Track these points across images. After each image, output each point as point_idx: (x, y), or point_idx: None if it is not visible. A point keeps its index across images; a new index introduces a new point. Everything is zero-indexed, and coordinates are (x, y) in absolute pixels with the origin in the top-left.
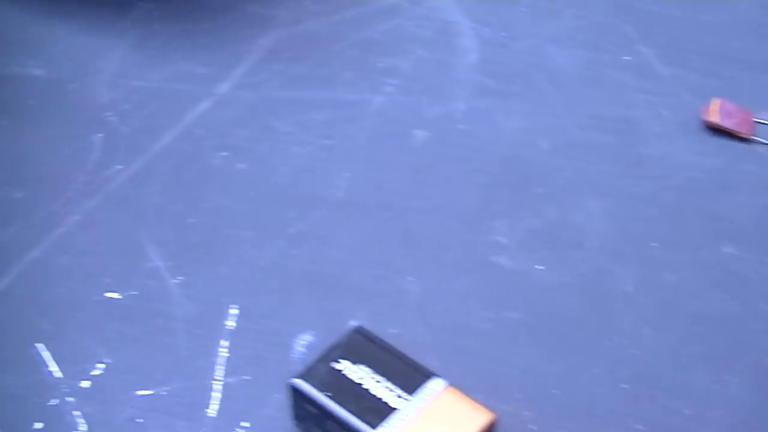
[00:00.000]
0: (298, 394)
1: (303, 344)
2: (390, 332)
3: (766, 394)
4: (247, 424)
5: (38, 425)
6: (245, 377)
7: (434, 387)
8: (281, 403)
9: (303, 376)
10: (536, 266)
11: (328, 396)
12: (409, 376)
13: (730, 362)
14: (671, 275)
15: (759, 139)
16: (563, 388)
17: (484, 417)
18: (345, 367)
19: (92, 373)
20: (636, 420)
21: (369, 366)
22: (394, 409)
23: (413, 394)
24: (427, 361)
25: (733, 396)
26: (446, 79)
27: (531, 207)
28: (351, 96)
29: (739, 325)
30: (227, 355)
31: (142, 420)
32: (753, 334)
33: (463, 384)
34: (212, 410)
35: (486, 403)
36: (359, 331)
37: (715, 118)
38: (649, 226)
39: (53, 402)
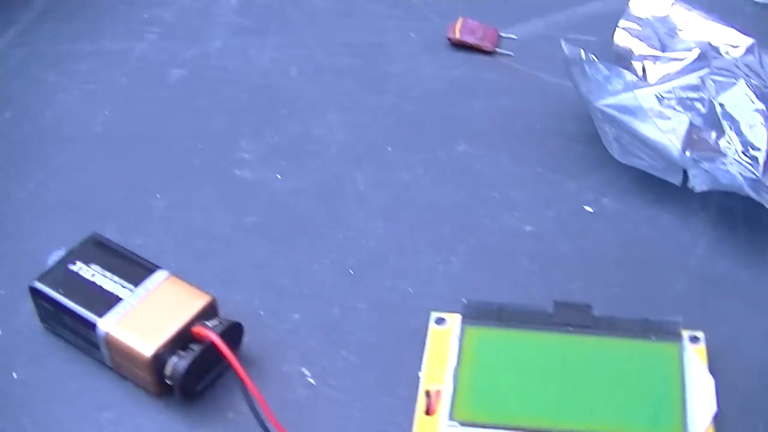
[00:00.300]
0: (38, 294)
1: (54, 258)
2: (135, 242)
3: (485, 269)
4: None
5: None
6: (0, 292)
7: (158, 278)
8: (31, 309)
9: (41, 279)
10: (276, 176)
11: (61, 293)
12: (136, 271)
13: (455, 244)
14: (404, 174)
15: (502, 51)
16: (293, 277)
17: (203, 298)
18: (79, 267)
19: None
20: (359, 299)
21: (100, 265)
22: (120, 299)
23: (138, 286)
24: (166, 263)
25: (456, 274)
26: (205, 24)
27: (275, 126)
28: (115, 45)
29: (465, 211)
30: None
31: None
32: (477, 218)
33: (199, 281)
34: None
35: (219, 295)
36: (94, 238)
37: (458, 35)
38: (387, 133)
39: None
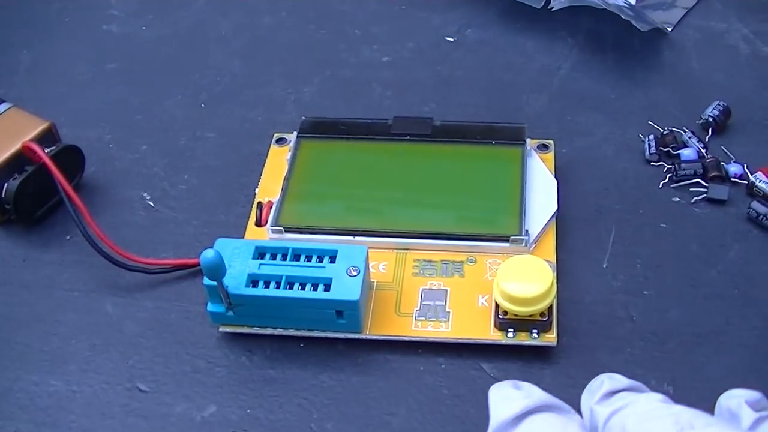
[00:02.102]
0: None
1: None
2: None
3: (337, 97)
4: None
5: None
6: None
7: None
8: None
9: None
10: (142, 27)
11: None
12: None
13: (310, 76)
14: (268, 17)
15: None
16: (146, 113)
17: (41, 124)
18: None
19: None
20: (208, 129)
21: None
22: None
23: None
24: (24, 104)
25: (307, 101)
26: None
27: None
28: None
29: (324, 47)
30: None
31: None
32: (336, 52)
33: (58, 119)
34: None
35: (72, 132)
36: None
37: None
38: None
39: None
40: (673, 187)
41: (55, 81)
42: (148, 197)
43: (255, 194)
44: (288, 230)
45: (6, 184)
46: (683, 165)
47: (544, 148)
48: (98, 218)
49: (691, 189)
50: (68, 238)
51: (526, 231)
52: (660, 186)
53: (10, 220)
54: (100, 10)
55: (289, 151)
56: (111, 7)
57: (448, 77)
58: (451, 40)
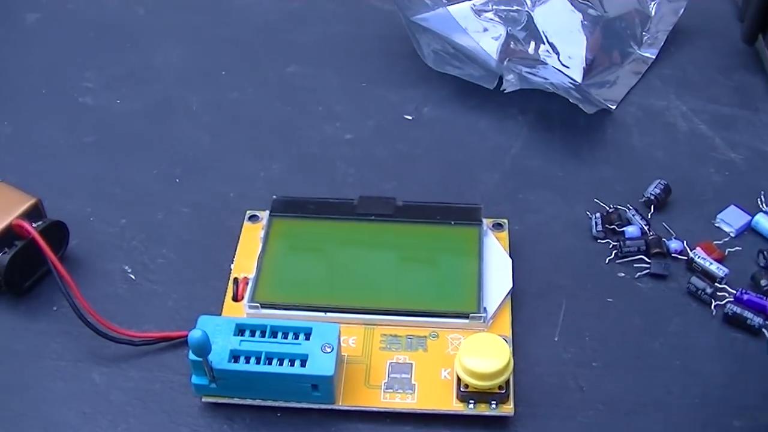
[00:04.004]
0: None
1: None
2: None
3: (303, 173)
4: None
5: None
6: None
7: None
8: None
9: None
10: (116, 101)
11: None
12: None
13: (277, 153)
14: (235, 94)
15: None
16: (123, 187)
17: (28, 200)
18: None
19: None
20: (182, 204)
21: None
22: None
23: None
24: (7, 175)
25: (275, 178)
26: None
27: (118, 59)
28: None
29: (290, 125)
30: None
31: None
32: (301, 129)
33: (35, 192)
34: None
35: (53, 204)
36: None
37: None
38: (223, 59)
39: None
40: (618, 263)
41: (36, 153)
42: (129, 270)
43: (231, 269)
44: (264, 306)
45: None
46: (627, 242)
47: (498, 226)
48: (83, 290)
49: (635, 264)
50: (55, 309)
51: (484, 308)
52: (606, 262)
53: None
54: (75, 82)
55: (262, 229)
56: (85, 80)
57: (407, 155)
58: (410, 118)
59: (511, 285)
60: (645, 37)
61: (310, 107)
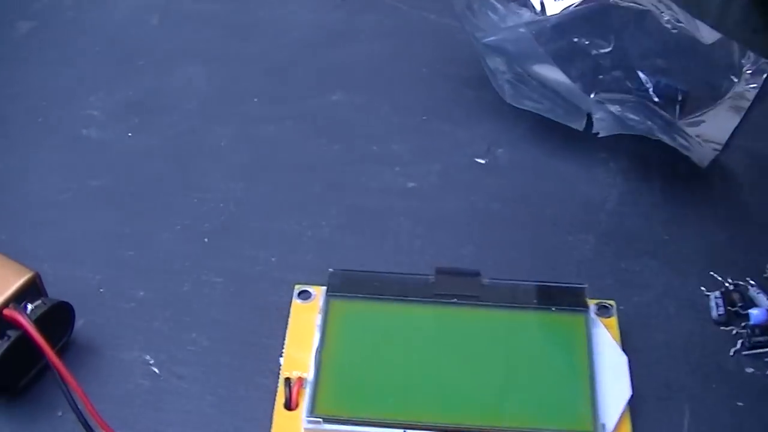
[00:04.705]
0: None
1: None
2: None
3: (361, 233)
4: None
5: None
6: None
7: None
8: None
9: None
10: (127, 134)
11: None
12: None
13: (326, 205)
14: (271, 128)
15: None
16: (139, 248)
17: (23, 275)
18: None
19: None
20: (213, 272)
21: None
22: None
23: None
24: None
25: (326, 239)
26: None
27: (129, 80)
28: None
29: (339, 168)
30: None
31: None
32: (353, 175)
33: (30, 255)
34: None
35: (54, 271)
36: None
37: None
38: (252, 84)
39: None
40: (745, 354)
41: (29, 202)
42: (151, 361)
43: (280, 365)
44: (327, 421)
45: None
46: (755, 329)
47: (605, 310)
48: (93, 387)
49: (766, 359)
50: (60, 414)
51: (603, 425)
52: (731, 353)
53: None
54: (77, 109)
55: (319, 313)
56: (90, 107)
57: (483, 210)
58: (482, 162)
59: (630, 393)
60: (745, 67)
61: (362, 146)
